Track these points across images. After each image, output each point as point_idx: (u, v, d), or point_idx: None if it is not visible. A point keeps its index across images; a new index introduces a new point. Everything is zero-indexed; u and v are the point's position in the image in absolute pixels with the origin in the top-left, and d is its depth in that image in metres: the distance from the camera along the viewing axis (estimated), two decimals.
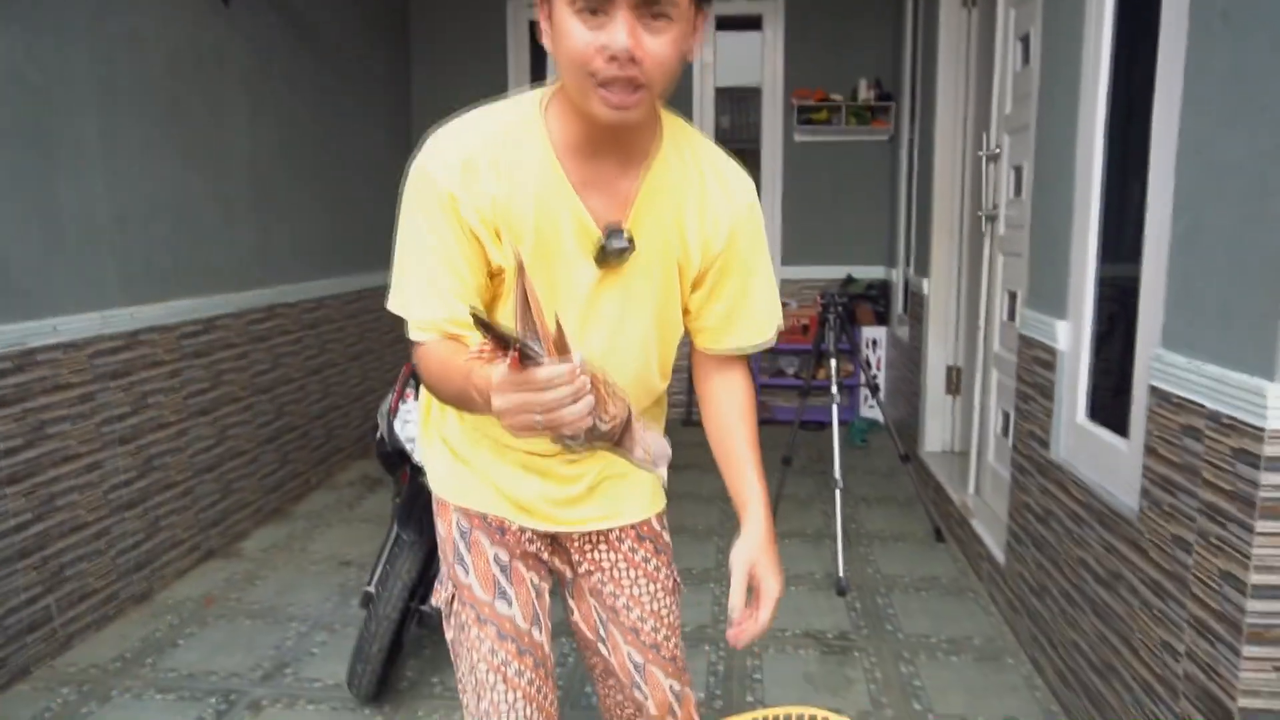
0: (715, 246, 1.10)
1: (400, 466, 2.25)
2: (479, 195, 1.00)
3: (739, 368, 1.22)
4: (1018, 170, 2.79)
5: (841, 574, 2.86)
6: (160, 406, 2.84)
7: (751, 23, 5.10)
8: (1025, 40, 2.70)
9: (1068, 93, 2.15)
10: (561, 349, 0.77)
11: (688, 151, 1.09)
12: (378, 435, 2.25)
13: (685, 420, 5.08)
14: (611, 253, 1.03)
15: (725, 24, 5.14)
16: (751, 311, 1.16)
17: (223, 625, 2.63)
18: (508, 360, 0.76)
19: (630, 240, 1.03)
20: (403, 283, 1.05)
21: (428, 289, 1.02)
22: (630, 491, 1.25)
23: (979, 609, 2.72)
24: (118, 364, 2.64)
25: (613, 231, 1.03)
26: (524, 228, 1.02)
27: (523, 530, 1.21)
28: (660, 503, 1.29)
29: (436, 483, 1.24)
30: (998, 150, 2.93)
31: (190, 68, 3.03)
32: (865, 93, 4.89)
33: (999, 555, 2.68)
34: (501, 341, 0.76)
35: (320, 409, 3.93)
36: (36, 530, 2.34)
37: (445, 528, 1.23)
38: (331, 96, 4.01)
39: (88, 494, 2.52)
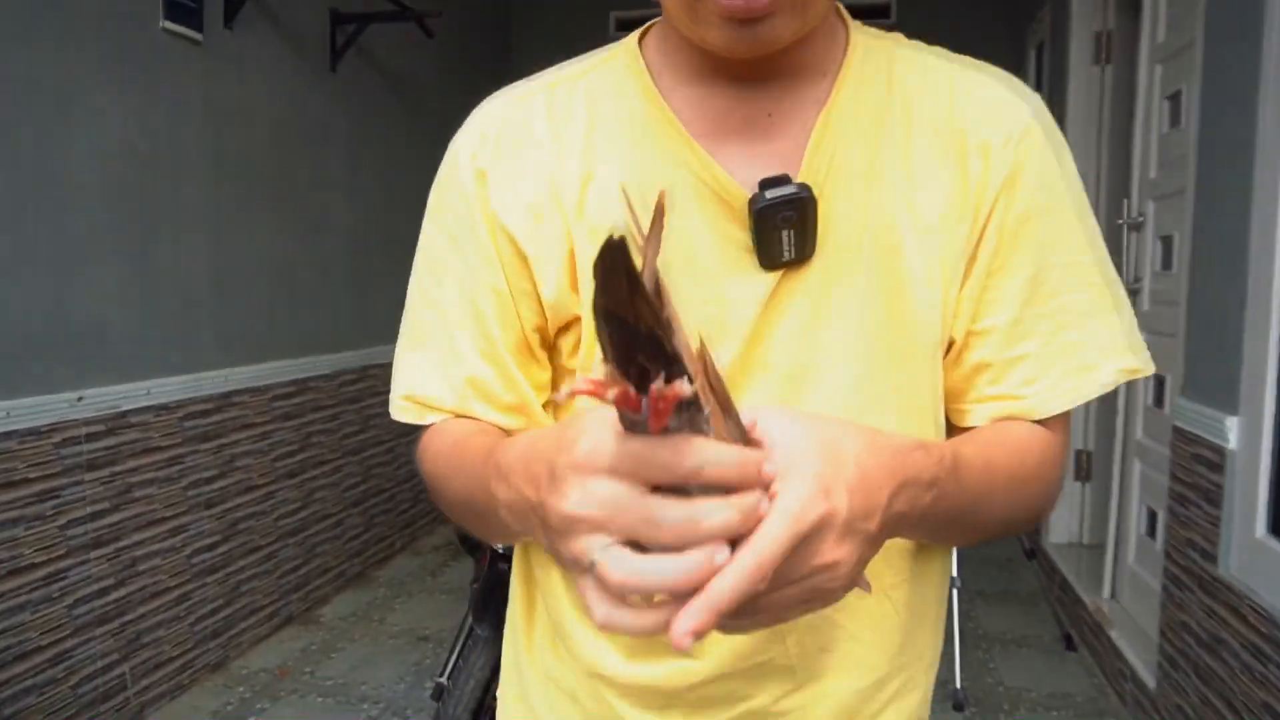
0: (982, 210, 0.61)
1: (481, 549, 2.11)
2: (524, 173, 0.63)
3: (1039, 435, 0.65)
4: (1166, 241, 2.50)
5: (959, 685, 2.55)
6: (248, 469, 2.80)
7: None
8: (1175, 99, 2.44)
9: (1239, 156, 1.88)
10: (726, 407, 0.39)
11: (905, 58, 0.64)
12: None
13: None
14: (772, 211, 0.58)
15: None
16: (1062, 330, 0.62)
17: (294, 701, 2.53)
18: (619, 396, 0.35)
19: (805, 187, 0.59)
20: (402, 349, 0.69)
21: (437, 347, 0.65)
22: None
23: None
24: (208, 426, 2.62)
25: (770, 182, 0.59)
26: (604, 219, 0.61)
27: None
28: None
29: None
30: (1140, 218, 2.65)
31: (295, 136, 3.06)
32: None
33: (1147, 678, 2.33)
34: (631, 355, 0.34)
35: (408, 471, 3.87)
36: (117, 596, 2.29)
37: None
38: (430, 160, 4.03)
39: (170, 558, 2.48)
